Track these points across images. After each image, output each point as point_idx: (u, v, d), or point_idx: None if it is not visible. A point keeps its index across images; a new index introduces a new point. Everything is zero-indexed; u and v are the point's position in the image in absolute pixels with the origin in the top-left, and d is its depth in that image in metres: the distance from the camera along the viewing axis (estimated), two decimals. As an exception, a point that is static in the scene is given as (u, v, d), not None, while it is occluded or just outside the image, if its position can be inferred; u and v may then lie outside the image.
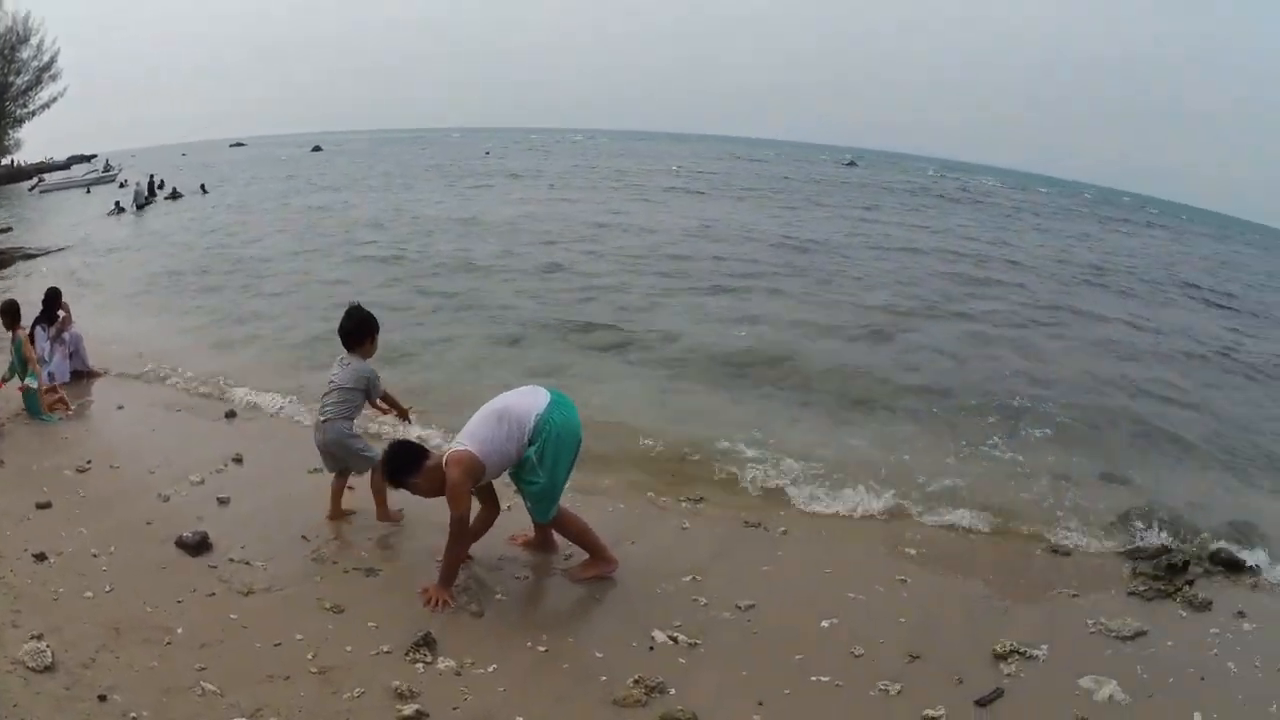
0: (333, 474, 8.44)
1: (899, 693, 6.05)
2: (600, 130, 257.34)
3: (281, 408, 11.81)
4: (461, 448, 6.79)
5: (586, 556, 7.46)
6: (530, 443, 6.86)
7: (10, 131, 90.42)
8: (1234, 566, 8.31)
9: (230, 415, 11.47)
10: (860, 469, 10.23)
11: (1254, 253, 63.90)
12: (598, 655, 6.30)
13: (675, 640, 6.54)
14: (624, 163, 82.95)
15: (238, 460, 9.80)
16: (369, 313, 8.36)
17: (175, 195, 50.94)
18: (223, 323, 17.39)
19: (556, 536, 7.67)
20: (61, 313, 13.13)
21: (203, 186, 54.61)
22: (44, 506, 8.43)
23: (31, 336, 12.44)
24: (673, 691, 5.89)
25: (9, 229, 34.62)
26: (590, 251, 26.27)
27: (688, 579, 7.53)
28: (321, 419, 8.20)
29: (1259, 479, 11.30)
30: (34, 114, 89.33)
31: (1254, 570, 8.29)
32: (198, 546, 7.53)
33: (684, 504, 9.27)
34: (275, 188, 54.45)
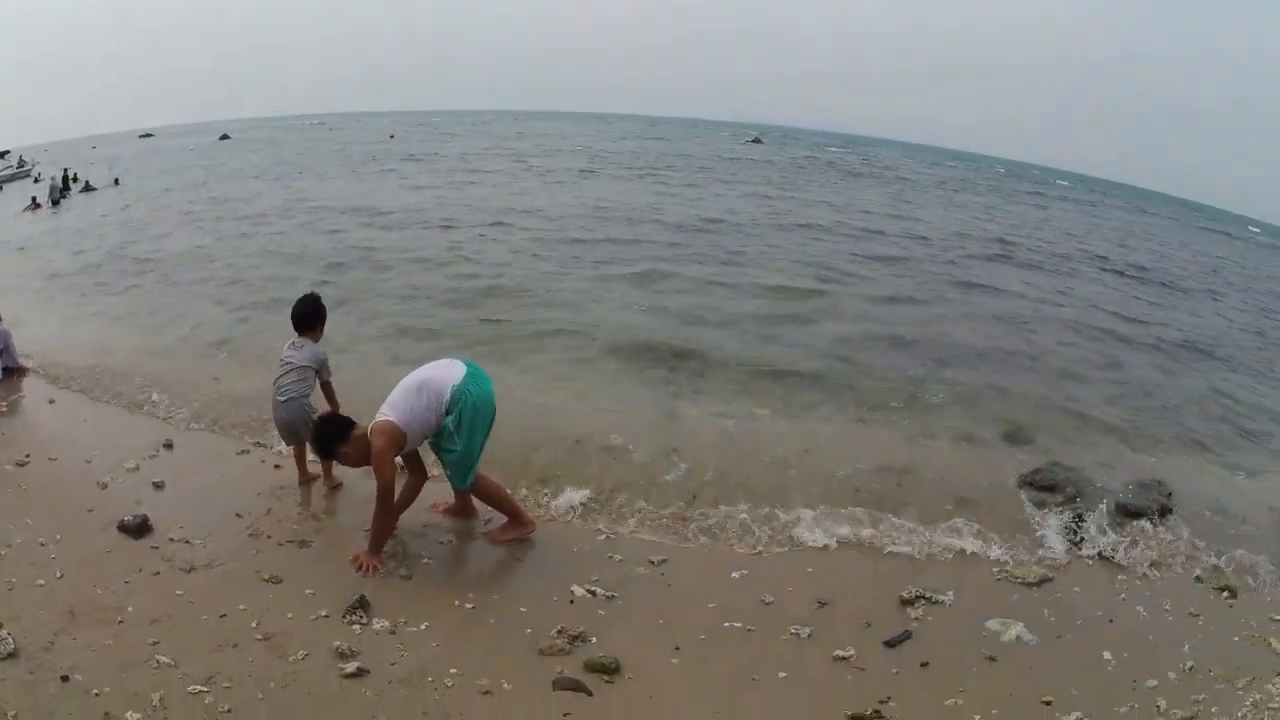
0: (291, 446, 8.96)
1: (809, 636, 6.62)
2: (499, 111, 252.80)
3: (194, 395, 11.96)
4: (384, 418, 7.25)
5: (505, 520, 7.96)
6: (448, 412, 7.31)
7: None
8: (1138, 517, 8.85)
9: (156, 404, 11.70)
10: (761, 439, 10.69)
11: (1165, 224, 64.84)
12: (522, 610, 6.86)
13: (594, 594, 7.12)
14: (523, 144, 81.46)
15: (168, 446, 10.07)
16: (320, 300, 8.99)
17: (89, 188, 49.97)
18: (141, 316, 17.33)
19: (476, 502, 8.14)
20: None
21: (116, 179, 53.36)
22: (-17, 503, 8.63)
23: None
24: (594, 640, 6.46)
25: (-76, 228, 34.12)
26: (489, 237, 26.03)
27: (602, 538, 8.12)
28: (282, 398, 8.65)
29: (1166, 440, 11.81)
30: None
31: (1158, 520, 8.84)
32: (139, 529, 7.89)
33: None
34: (186, 178, 53.08)
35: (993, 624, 6.85)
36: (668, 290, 19.08)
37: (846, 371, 13.52)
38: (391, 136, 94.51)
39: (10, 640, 6.04)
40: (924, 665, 6.33)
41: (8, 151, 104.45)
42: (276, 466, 9.28)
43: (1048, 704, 5.92)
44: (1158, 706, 5.94)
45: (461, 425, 7.30)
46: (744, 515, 8.69)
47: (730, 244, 25.44)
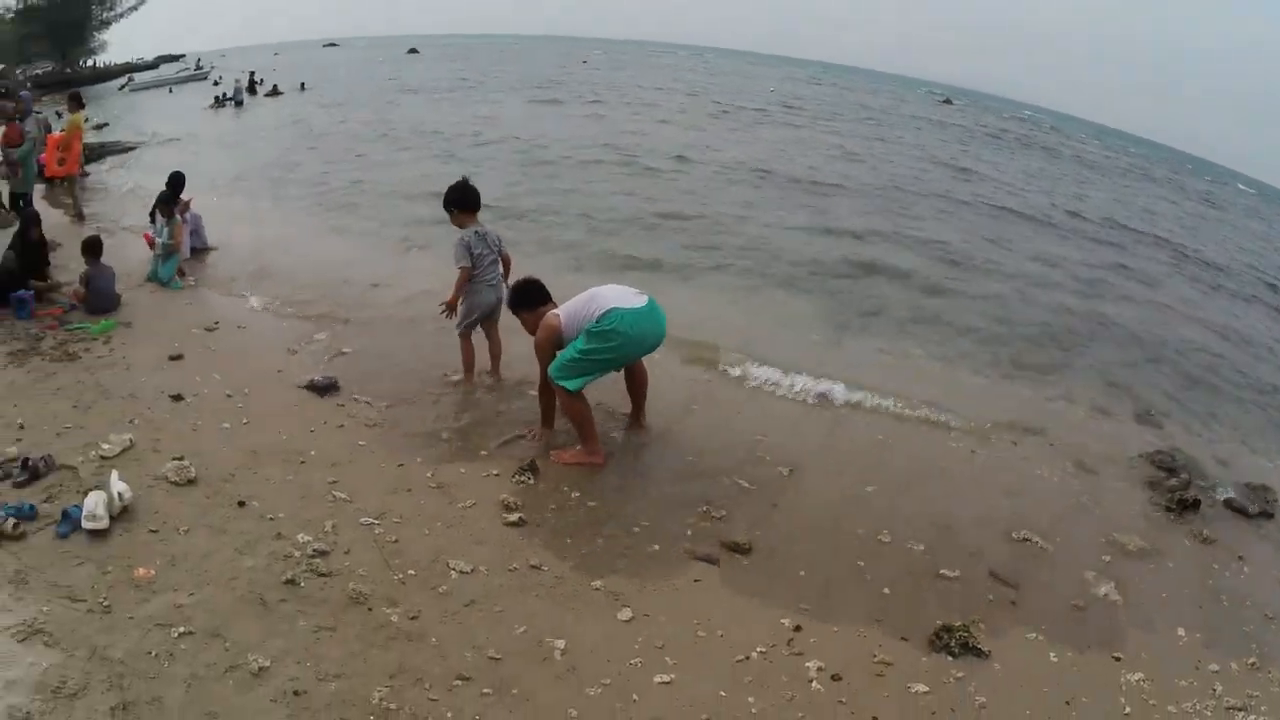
0: (474, 330, 9.48)
1: (923, 551, 6.94)
2: (679, 45, 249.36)
3: (376, 285, 12.97)
4: (554, 314, 7.82)
5: (578, 446, 8.04)
6: (598, 322, 7.66)
7: (96, 34, 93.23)
8: (1241, 514, 8.87)
9: (343, 286, 12.72)
10: (912, 376, 11.10)
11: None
12: (676, 489, 7.44)
13: (740, 484, 7.55)
14: (715, 81, 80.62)
15: (348, 322, 11.07)
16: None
17: (275, 92, 51.70)
18: (329, 213, 18.78)
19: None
20: (185, 195, 14.26)
21: (302, 84, 55.07)
22: (176, 358, 9.58)
23: (153, 215, 13.69)
24: (735, 524, 7.01)
25: (106, 124, 35.72)
26: (668, 171, 26.27)
27: (758, 438, 8.61)
28: (493, 283, 9.25)
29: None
30: (121, 16, 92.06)
31: (1259, 522, 8.85)
32: (327, 388, 8.78)
33: (757, 385, 10.21)
34: (373, 88, 54.40)
35: (1087, 576, 7.06)
36: (845, 235, 19.42)
37: (1003, 332, 13.78)
38: (584, 61, 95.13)
39: (191, 469, 6.88)
40: (1013, 604, 6.62)
41: (183, 55, 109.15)
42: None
43: (1117, 659, 6.10)
44: (1214, 690, 6.00)
45: (594, 337, 7.62)
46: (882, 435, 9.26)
47: (920, 206, 25.01)
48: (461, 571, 5.91)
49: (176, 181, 14.60)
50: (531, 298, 8.15)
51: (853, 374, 10.63)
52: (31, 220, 12.16)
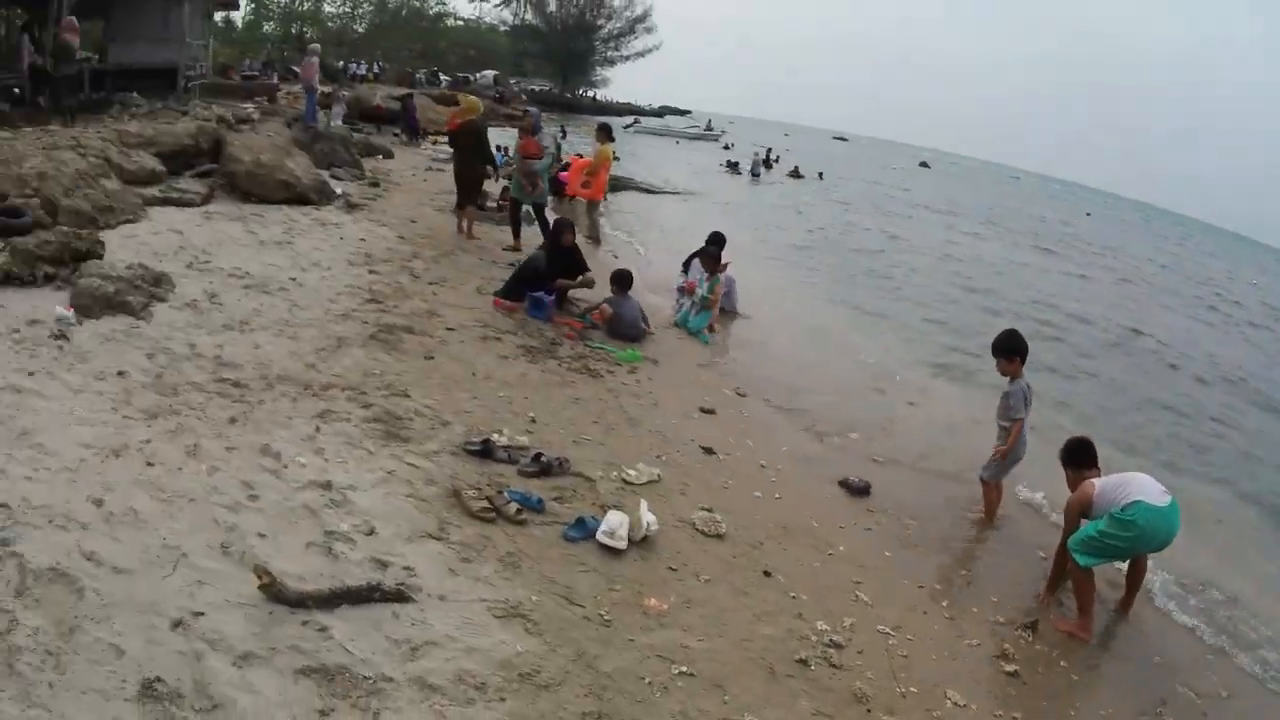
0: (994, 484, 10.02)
1: None
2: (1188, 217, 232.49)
3: (911, 403, 13.61)
4: (1092, 483, 8.34)
5: (1077, 616, 8.38)
6: (1122, 509, 8.09)
7: (598, 69, 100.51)
8: None
9: (876, 393, 13.61)
10: None
11: None
12: (1139, 681, 7.75)
13: (1189, 695, 7.74)
14: (1212, 263, 74.55)
15: (884, 431, 11.81)
16: None
17: (796, 174, 54.27)
18: (857, 312, 19.94)
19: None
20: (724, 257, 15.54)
21: (820, 174, 57.24)
22: (708, 411, 10.75)
23: (686, 265, 15.10)
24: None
25: (617, 159, 38.21)
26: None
27: (1208, 656, 8.63)
28: (1025, 434, 9.73)
29: None
30: (627, 59, 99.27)
31: None
32: (860, 491, 9.58)
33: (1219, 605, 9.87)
34: (884, 195, 54.51)
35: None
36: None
37: None
38: (1088, 214, 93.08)
39: (722, 524, 7.81)
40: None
41: (689, 111, 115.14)
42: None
43: None
44: None
45: (1114, 523, 8.02)
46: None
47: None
48: (956, 704, 6.45)
49: (719, 240, 16.08)
50: (1083, 458, 8.72)
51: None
52: (564, 227, 13.87)
